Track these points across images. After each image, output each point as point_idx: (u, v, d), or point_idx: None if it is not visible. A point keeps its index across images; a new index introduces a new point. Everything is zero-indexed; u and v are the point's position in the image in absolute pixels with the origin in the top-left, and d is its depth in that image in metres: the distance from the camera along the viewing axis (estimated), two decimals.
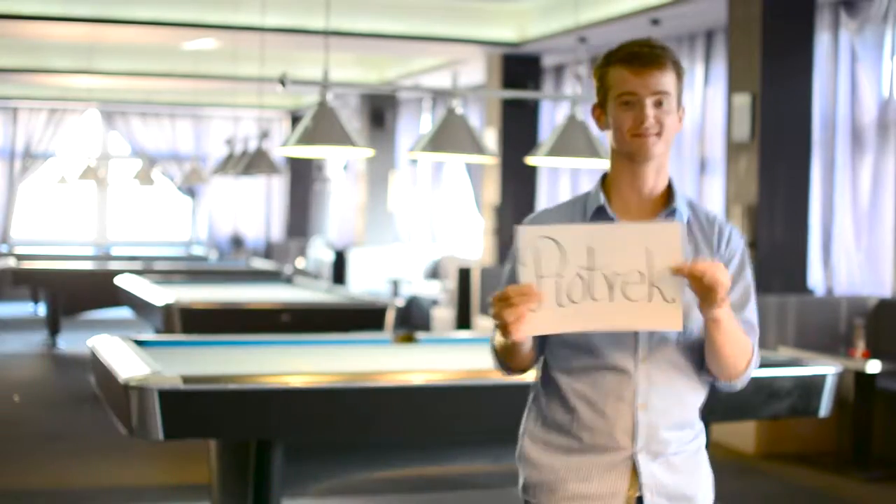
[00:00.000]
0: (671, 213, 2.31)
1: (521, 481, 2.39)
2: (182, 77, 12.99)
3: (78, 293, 10.71)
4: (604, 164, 5.49)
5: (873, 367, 6.15)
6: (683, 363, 2.28)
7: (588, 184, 10.93)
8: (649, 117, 2.24)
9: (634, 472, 2.26)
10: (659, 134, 2.25)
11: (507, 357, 2.30)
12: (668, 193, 2.33)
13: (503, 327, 2.10)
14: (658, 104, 2.25)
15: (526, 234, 2.11)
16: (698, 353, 2.29)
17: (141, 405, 3.47)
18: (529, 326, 2.10)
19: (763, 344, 6.73)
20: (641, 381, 2.25)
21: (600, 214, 2.31)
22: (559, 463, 2.30)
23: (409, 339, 5.03)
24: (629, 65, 2.25)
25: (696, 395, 2.33)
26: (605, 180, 2.36)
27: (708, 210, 2.40)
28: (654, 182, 2.31)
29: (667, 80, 2.26)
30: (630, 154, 2.28)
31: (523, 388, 3.94)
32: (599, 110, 2.34)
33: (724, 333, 2.20)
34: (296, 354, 4.61)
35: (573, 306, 2.11)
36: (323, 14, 8.52)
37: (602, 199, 2.31)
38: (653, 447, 2.26)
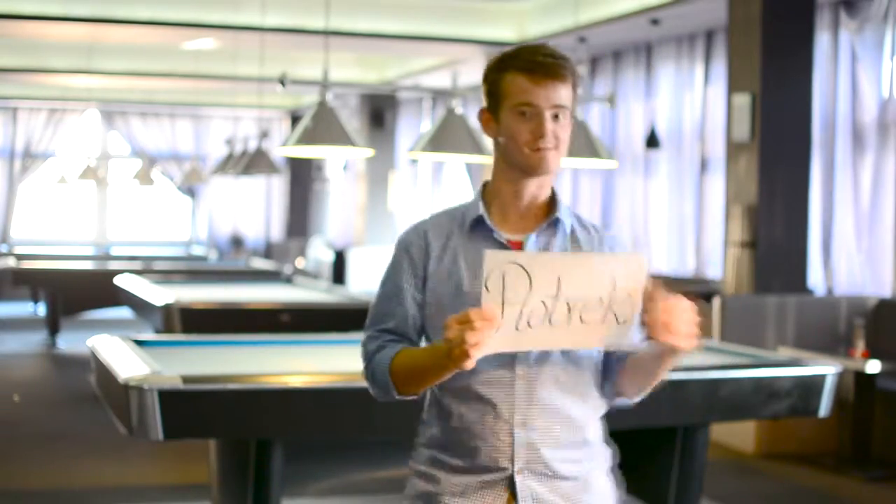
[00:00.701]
0: (553, 224, 2.23)
1: (408, 489, 2.31)
2: (182, 77, 12.99)
3: (78, 293, 10.71)
4: (604, 164, 5.49)
5: (873, 367, 6.15)
6: (570, 381, 2.20)
7: (587, 183, 10.93)
8: (548, 131, 2.15)
9: (514, 493, 2.19)
10: (556, 148, 2.17)
11: (418, 381, 2.18)
12: (551, 204, 2.26)
13: (460, 351, 1.98)
14: (556, 117, 2.16)
15: (494, 258, 2.03)
16: (589, 372, 2.22)
17: (141, 405, 3.47)
18: (482, 351, 2.01)
19: (763, 344, 6.76)
20: (520, 400, 2.17)
21: (478, 225, 2.24)
22: (441, 477, 2.23)
23: None
24: (530, 74, 2.15)
25: (586, 414, 2.22)
26: (485, 188, 2.28)
27: (594, 222, 2.32)
28: (537, 193, 2.23)
29: (566, 93, 2.17)
30: (526, 168, 2.19)
31: None
32: (488, 115, 2.24)
33: (668, 365, 2.15)
34: (296, 354, 4.61)
35: (529, 331, 2.06)
36: (323, 14, 8.53)
37: (481, 208, 2.23)
38: (536, 468, 2.19)
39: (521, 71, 2.16)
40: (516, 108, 2.17)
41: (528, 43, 2.22)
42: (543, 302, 2.05)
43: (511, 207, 2.24)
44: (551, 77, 2.15)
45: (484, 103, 2.25)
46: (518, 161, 2.20)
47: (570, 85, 2.18)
